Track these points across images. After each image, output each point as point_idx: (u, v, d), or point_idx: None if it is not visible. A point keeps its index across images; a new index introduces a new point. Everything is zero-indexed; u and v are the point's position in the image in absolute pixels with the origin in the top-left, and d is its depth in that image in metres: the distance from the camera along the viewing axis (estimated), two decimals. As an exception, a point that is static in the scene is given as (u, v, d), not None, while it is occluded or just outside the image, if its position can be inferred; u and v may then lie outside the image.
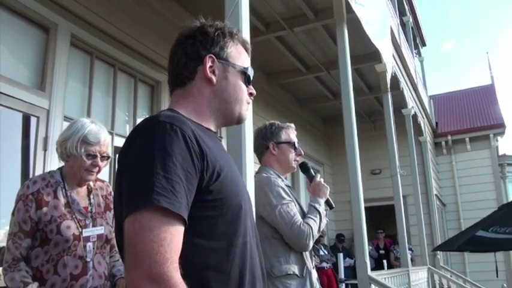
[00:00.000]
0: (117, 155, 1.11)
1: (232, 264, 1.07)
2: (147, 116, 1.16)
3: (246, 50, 1.31)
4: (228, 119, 1.27)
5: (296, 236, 2.16)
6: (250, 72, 1.28)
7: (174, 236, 0.94)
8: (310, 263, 2.28)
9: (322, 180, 2.47)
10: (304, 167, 2.52)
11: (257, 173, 2.47)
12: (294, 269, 2.17)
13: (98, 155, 2.04)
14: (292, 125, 2.57)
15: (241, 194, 1.15)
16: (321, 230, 2.33)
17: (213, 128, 1.24)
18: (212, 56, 1.21)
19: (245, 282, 1.09)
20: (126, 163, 1.04)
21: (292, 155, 2.46)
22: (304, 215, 2.30)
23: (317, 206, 2.34)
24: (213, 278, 1.03)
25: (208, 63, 1.20)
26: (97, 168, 2.06)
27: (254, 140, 2.50)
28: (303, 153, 2.53)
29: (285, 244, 2.20)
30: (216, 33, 1.23)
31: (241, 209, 1.12)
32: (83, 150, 2.00)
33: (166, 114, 1.09)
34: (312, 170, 2.52)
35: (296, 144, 2.48)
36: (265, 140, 2.47)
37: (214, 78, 1.21)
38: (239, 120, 1.29)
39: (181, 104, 1.21)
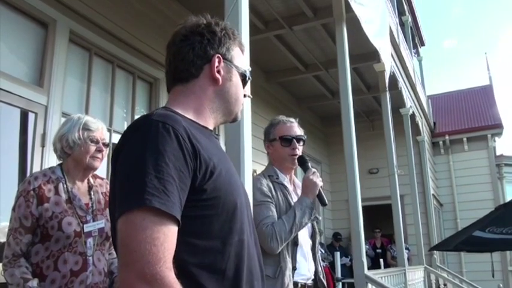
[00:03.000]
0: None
1: (227, 263, 1.06)
2: (141, 115, 1.16)
3: (242, 52, 1.32)
4: (225, 118, 1.29)
5: (260, 237, 2.12)
6: (248, 74, 1.31)
7: (167, 236, 0.93)
8: (287, 263, 2.21)
9: (315, 176, 2.33)
10: (301, 161, 2.44)
11: None
12: (267, 270, 2.14)
13: (100, 140, 2.11)
14: (290, 120, 2.51)
15: (237, 192, 1.14)
16: (295, 231, 2.22)
17: (210, 126, 1.24)
18: (219, 56, 1.22)
19: (242, 281, 1.08)
20: (119, 163, 1.04)
21: (285, 149, 2.41)
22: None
23: (296, 204, 2.27)
24: (208, 277, 1.03)
25: (216, 63, 1.21)
26: (101, 154, 2.11)
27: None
28: (297, 146, 2.43)
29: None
30: (222, 34, 1.24)
31: (236, 207, 1.11)
32: (86, 135, 2.06)
33: (159, 113, 1.08)
34: (308, 164, 2.43)
35: (288, 137, 2.41)
36: (264, 141, 2.54)
37: (220, 79, 1.22)
38: (234, 120, 1.32)
39: (180, 101, 1.20)
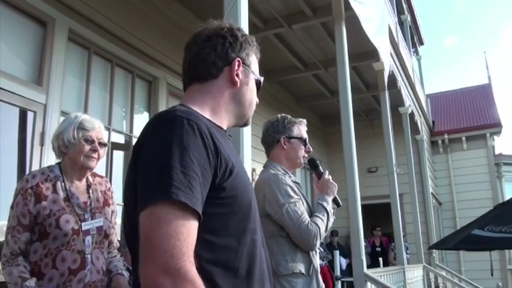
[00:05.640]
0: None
1: (240, 261, 1.08)
2: (162, 110, 1.17)
3: (257, 59, 1.36)
4: (238, 121, 1.32)
5: (303, 236, 2.14)
6: (262, 81, 1.35)
7: (190, 231, 0.94)
8: (317, 261, 2.26)
9: (330, 177, 2.43)
10: (313, 164, 2.47)
11: (264, 167, 2.44)
12: (301, 267, 2.15)
13: (96, 140, 2.08)
14: (304, 121, 2.53)
15: (251, 192, 1.17)
16: (328, 228, 2.30)
17: (224, 127, 1.26)
18: (240, 60, 1.25)
19: (254, 280, 1.10)
20: (142, 155, 1.04)
21: (302, 151, 2.43)
22: (311, 213, 2.28)
23: (325, 204, 2.32)
24: (221, 274, 1.04)
25: (236, 67, 1.24)
26: (96, 153, 2.08)
27: (264, 132, 2.48)
28: (311, 150, 2.49)
29: (292, 242, 2.18)
30: (243, 39, 1.28)
31: (251, 206, 1.14)
32: (80, 135, 2.04)
33: (182, 109, 1.10)
34: (320, 167, 2.48)
35: (307, 141, 2.45)
36: (276, 134, 2.42)
37: (238, 82, 1.25)
38: (245, 124, 1.36)
39: (197, 100, 1.22)
